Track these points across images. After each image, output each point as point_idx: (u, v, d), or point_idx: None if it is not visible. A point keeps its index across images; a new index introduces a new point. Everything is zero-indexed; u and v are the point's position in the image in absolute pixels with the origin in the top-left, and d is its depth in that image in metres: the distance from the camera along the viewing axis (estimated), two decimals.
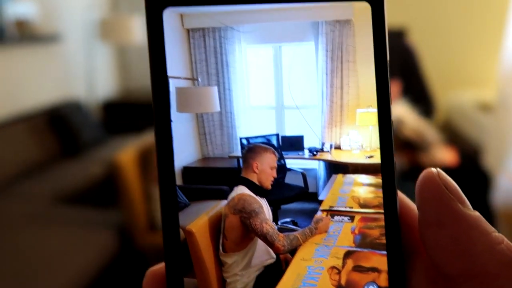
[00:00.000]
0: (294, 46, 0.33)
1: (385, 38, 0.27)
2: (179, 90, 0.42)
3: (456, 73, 4.53)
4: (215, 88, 0.36)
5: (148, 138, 2.24)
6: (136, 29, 3.73)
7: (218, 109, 0.39)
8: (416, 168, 1.62)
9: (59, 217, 2.25)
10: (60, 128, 3.31)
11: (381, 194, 0.35)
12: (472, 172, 2.03)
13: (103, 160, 3.20)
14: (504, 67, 2.46)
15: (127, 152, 1.97)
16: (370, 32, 0.27)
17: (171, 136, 0.27)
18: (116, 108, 4.29)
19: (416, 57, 2.59)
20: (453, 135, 3.58)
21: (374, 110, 0.32)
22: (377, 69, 0.27)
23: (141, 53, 4.53)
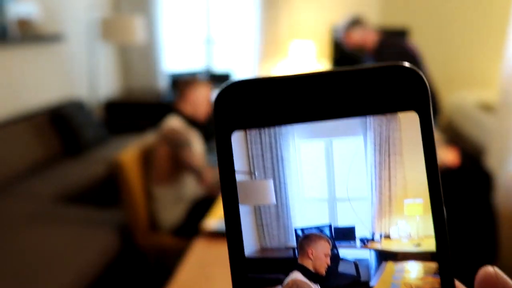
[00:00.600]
0: (344, 140, 0.36)
1: (433, 141, 0.30)
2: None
3: (459, 74, 4.53)
4: (271, 181, 0.39)
5: (148, 138, 2.24)
6: (138, 29, 3.74)
7: (274, 201, 0.43)
8: None
9: (61, 217, 2.25)
10: (62, 127, 3.32)
11: (431, 280, 0.37)
12: (474, 172, 2.01)
13: (105, 159, 3.20)
14: (506, 68, 2.45)
15: (129, 151, 1.97)
16: (415, 127, 0.30)
17: (240, 228, 0.32)
18: (117, 107, 4.29)
19: (420, 57, 2.58)
20: (455, 135, 3.57)
21: (421, 200, 0.36)
22: (429, 169, 0.31)
23: (142, 53, 4.54)
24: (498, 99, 2.52)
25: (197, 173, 1.90)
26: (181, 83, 2.09)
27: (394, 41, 2.66)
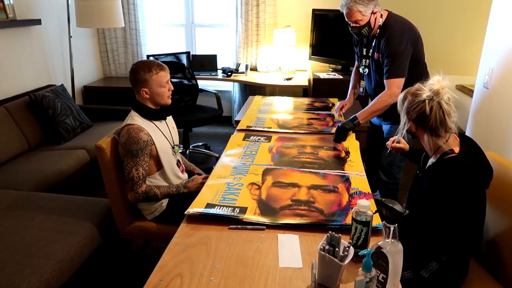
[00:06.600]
0: None
1: None
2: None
3: (438, 60, 4.61)
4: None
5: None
6: (115, 14, 3.65)
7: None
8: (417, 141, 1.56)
9: (43, 205, 2.23)
10: (41, 114, 3.25)
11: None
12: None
13: (85, 146, 3.17)
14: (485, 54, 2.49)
15: (108, 138, 1.94)
16: None
17: None
18: (97, 93, 4.22)
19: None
20: None
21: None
22: None
23: (122, 37, 4.43)
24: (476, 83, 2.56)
25: (131, 184, 1.88)
26: (132, 78, 1.95)
27: (400, 18, 2.35)
